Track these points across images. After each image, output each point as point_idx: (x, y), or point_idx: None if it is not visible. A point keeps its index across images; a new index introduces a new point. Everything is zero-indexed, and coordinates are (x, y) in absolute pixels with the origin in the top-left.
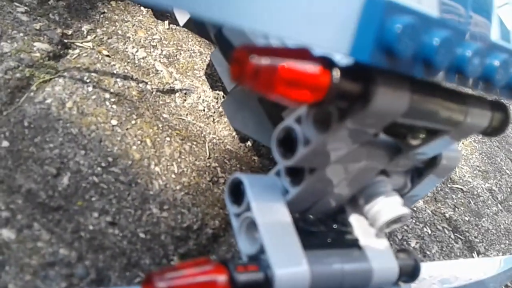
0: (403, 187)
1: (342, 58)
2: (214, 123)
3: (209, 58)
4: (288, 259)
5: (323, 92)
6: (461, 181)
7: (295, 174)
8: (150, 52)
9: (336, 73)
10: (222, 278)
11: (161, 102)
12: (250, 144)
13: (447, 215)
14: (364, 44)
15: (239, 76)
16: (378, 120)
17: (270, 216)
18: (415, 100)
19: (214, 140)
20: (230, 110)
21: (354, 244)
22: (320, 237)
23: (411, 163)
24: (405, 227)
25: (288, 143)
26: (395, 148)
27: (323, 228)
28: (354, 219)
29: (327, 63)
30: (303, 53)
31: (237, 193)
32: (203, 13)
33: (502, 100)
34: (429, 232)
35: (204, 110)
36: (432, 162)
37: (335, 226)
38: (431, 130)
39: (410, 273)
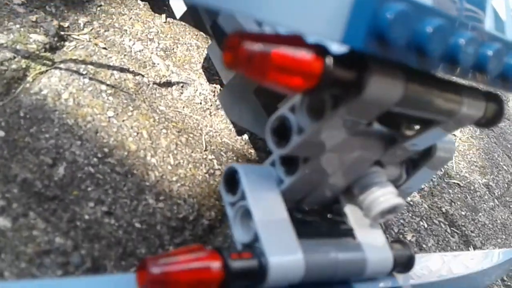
0: (398, 178)
1: (336, 46)
2: (210, 116)
3: (206, 52)
4: (282, 247)
5: (316, 79)
6: (458, 176)
7: (290, 163)
8: (147, 45)
9: (329, 60)
10: (216, 264)
11: (157, 95)
12: (247, 137)
13: (443, 210)
14: (357, 31)
15: (232, 62)
16: (372, 108)
17: (264, 205)
18: (410, 89)
19: (211, 133)
20: (226, 103)
21: (349, 234)
22: (315, 227)
23: (406, 154)
24: (402, 221)
25: (283, 132)
26: (389, 139)
27: (317, 218)
28: (349, 209)
29: (321, 50)
30: (296, 40)
31: (232, 182)
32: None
33: (496, 91)
34: (425, 226)
35: (200, 103)
36: (427, 153)
37: (329, 216)
38: (425, 120)
39: (405, 263)
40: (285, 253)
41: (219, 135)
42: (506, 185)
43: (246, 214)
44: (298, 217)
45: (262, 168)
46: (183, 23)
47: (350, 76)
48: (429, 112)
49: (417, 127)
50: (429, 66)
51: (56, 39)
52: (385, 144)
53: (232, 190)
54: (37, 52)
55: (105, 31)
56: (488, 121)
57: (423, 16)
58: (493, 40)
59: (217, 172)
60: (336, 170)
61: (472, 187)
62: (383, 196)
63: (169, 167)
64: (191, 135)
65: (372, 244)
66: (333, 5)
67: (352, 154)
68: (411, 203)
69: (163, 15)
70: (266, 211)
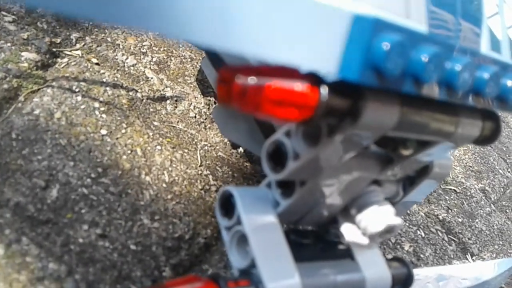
0: (395, 195)
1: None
2: (205, 129)
3: (200, 64)
4: (280, 273)
5: (311, 110)
6: (454, 182)
7: (286, 186)
8: (140, 59)
9: (324, 90)
10: None
11: (151, 110)
12: (242, 151)
13: (440, 217)
14: (352, 63)
15: (226, 97)
16: (368, 134)
17: (261, 229)
18: (405, 113)
19: (206, 147)
20: (220, 119)
21: (347, 254)
22: (312, 249)
23: (403, 172)
24: (399, 231)
25: (278, 157)
26: (386, 158)
27: (314, 240)
28: (346, 229)
29: (315, 80)
30: (290, 71)
31: (228, 206)
32: (189, 37)
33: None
34: (423, 235)
35: (195, 117)
36: (424, 170)
37: (327, 237)
38: (422, 141)
39: (403, 281)
40: (282, 278)
41: (214, 149)
42: (502, 189)
43: (243, 239)
44: (295, 240)
45: (258, 190)
46: None
47: (345, 104)
48: (425, 135)
49: (413, 145)
50: (426, 93)
51: (48, 56)
52: (382, 163)
53: (227, 214)
54: (29, 71)
55: (98, 46)
56: (485, 140)
57: (419, 44)
58: (489, 62)
59: (213, 188)
60: (333, 191)
61: (469, 193)
62: (381, 216)
63: (164, 185)
64: (186, 151)
65: (370, 263)
66: (327, 38)
67: (349, 175)
68: (408, 212)
69: None
70: (263, 236)
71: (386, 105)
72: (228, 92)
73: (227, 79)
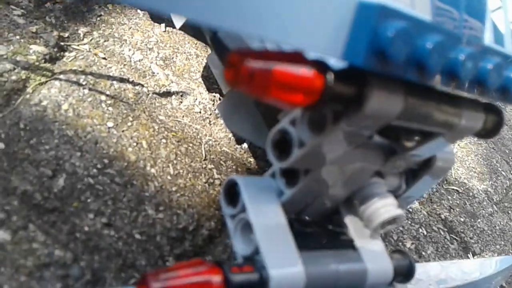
0: (398, 188)
1: (336, 61)
2: (210, 125)
3: (205, 61)
4: (283, 260)
5: (317, 95)
6: (456, 182)
7: (290, 175)
8: (146, 55)
9: (330, 76)
10: (216, 278)
11: (157, 104)
12: (246, 146)
13: (442, 216)
14: (357, 48)
15: (233, 80)
16: (372, 122)
17: (265, 217)
18: (409, 102)
19: (210, 142)
20: (225, 113)
21: (349, 245)
22: (315, 238)
23: (406, 164)
24: (401, 228)
25: (283, 145)
26: (390, 150)
27: (318, 229)
28: (349, 220)
29: (321, 66)
30: (297, 57)
31: (233, 194)
32: (198, 18)
33: (496, 103)
34: (425, 233)
35: (200, 112)
36: (427, 164)
37: (330, 227)
38: (425, 132)
39: (405, 273)
40: (285, 265)
41: (219, 144)
42: (504, 191)
43: (247, 227)
44: (299, 228)
45: (262, 180)
46: (182, 32)
47: (350, 91)
48: (429, 125)
49: (417, 138)
50: (429, 81)
51: (56, 49)
52: (385, 155)
53: (232, 203)
54: (37, 63)
55: (105, 41)
56: (488, 133)
57: (423, 32)
58: (493, 54)
59: (217, 182)
60: (336, 181)
61: (471, 193)
62: (384, 207)
63: (169, 177)
64: (191, 145)
65: (372, 254)
66: (333, 22)
67: (352, 165)
68: (410, 210)
69: (163, 25)
70: (267, 223)
71: (391, 93)
72: (236, 75)
73: (236, 63)
